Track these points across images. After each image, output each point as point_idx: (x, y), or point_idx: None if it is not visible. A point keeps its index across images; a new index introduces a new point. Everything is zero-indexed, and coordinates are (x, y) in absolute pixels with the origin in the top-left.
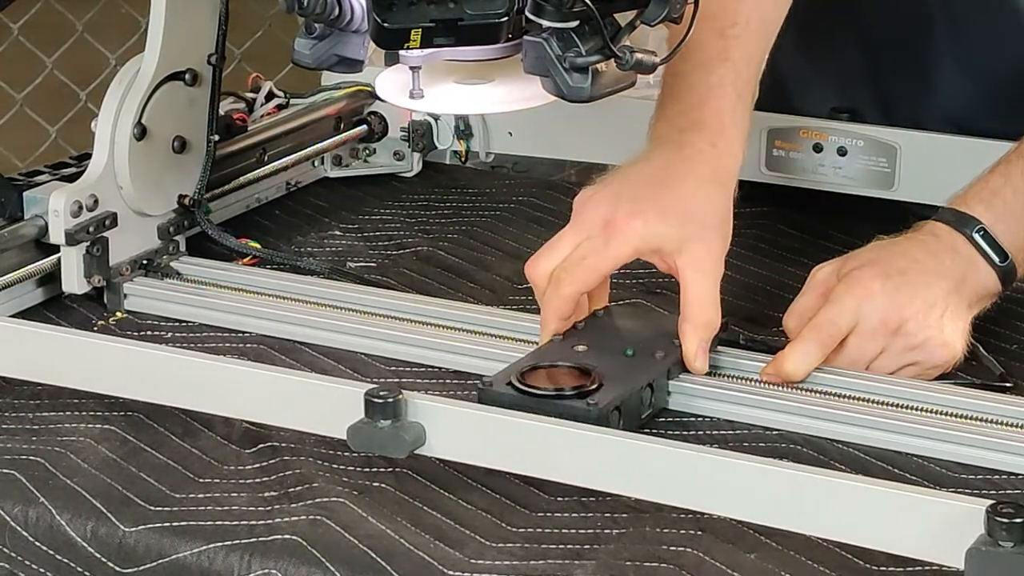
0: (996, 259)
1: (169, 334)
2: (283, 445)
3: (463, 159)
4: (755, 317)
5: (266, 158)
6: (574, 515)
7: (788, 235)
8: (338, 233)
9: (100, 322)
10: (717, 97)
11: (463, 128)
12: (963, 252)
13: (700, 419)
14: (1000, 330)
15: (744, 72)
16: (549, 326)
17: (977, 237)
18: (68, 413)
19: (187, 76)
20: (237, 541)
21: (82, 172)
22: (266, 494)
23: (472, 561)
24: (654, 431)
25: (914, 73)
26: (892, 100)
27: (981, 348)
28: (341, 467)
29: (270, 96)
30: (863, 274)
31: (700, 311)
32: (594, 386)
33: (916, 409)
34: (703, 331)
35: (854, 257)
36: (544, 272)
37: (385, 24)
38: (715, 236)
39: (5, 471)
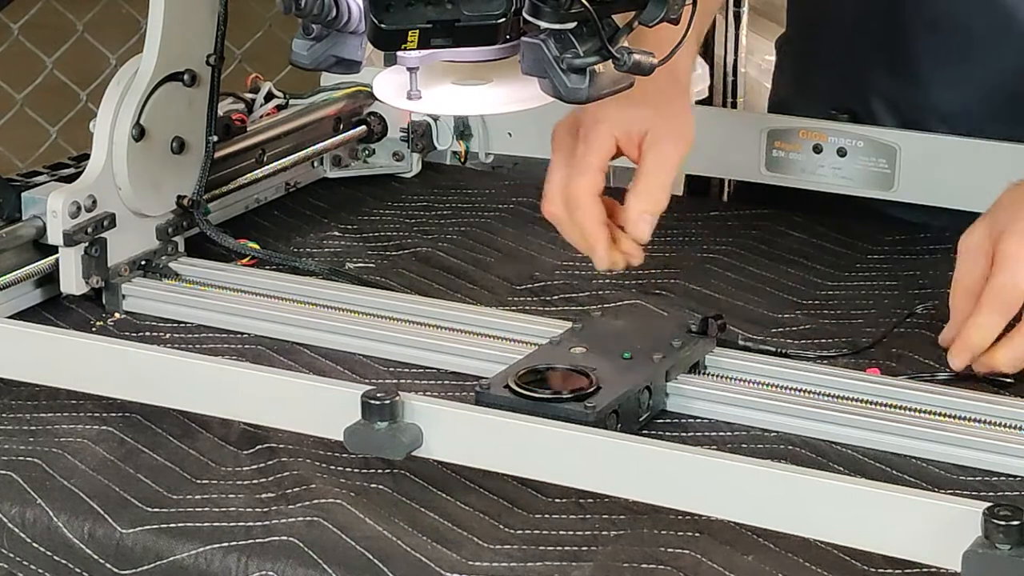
0: None
1: (167, 335)
2: (281, 446)
3: (462, 160)
4: (754, 318)
5: (265, 159)
6: (571, 517)
7: (788, 236)
8: (337, 234)
9: (98, 323)
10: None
11: (462, 129)
12: None
13: (698, 421)
14: None
15: None
16: (596, 244)
17: None
18: (66, 414)
19: (186, 77)
20: (234, 542)
21: (80, 173)
22: (263, 495)
23: (469, 563)
24: (652, 433)
25: (914, 74)
26: (892, 101)
27: None
28: (338, 468)
29: (269, 97)
30: (1022, 227)
31: (648, 182)
32: (591, 389)
33: (914, 411)
34: (647, 203)
35: (996, 214)
36: (556, 204)
37: (382, 25)
38: (677, 124)
39: (2, 472)
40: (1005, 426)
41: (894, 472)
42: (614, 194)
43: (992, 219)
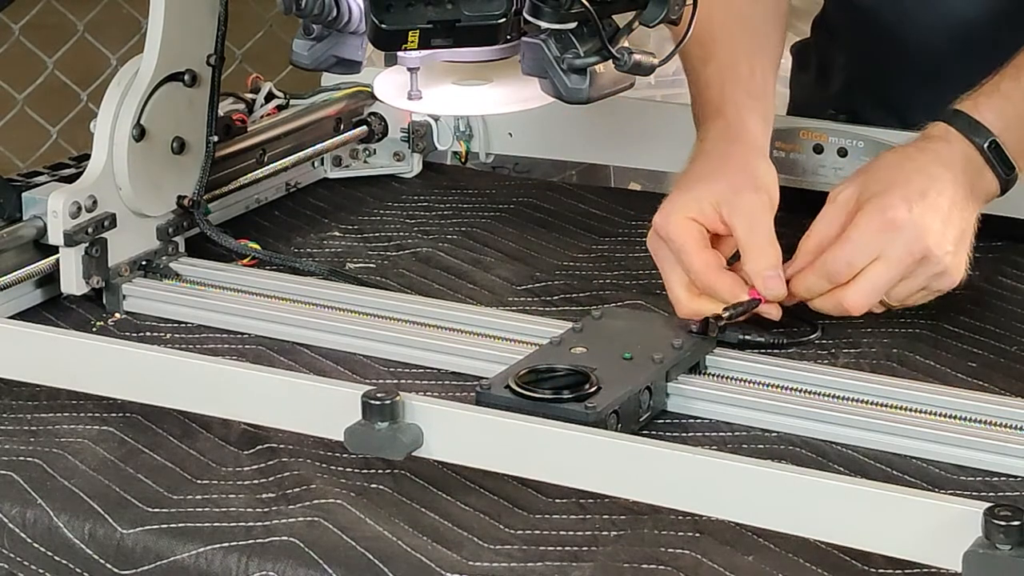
0: (1003, 172)
1: (168, 335)
2: (281, 447)
3: (463, 160)
4: (754, 318)
5: (266, 159)
6: (572, 517)
7: (788, 236)
8: (337, 234)
9: (99, 323)
10: (706, 93)
11: (463, 129)
12: (974, 161)
13: (698, 421)
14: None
15: (732, 65)
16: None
17: (988, 151)
18: (66, 414)
19: (186, 77)
20: (235, 542)
21: (81, 173)
22: (264, 495)
23: (470, 563)
24: (652, 433)
25: (915, 74)
26: (892, 101)
27: None
28: (339, 469)
29: (270, 97)
30: (885, 202)
31: (750, 245)
32: (592, 389)
33: (914, 411)
34: (761, 262)
35: (872, 176)
36: (691, 302)
37: (383, 25)
38: (742, 178)
39: (3, 472)
40: (1005, 426)
41: (894, 472)
42: (613, 193)
43: (865, 181)
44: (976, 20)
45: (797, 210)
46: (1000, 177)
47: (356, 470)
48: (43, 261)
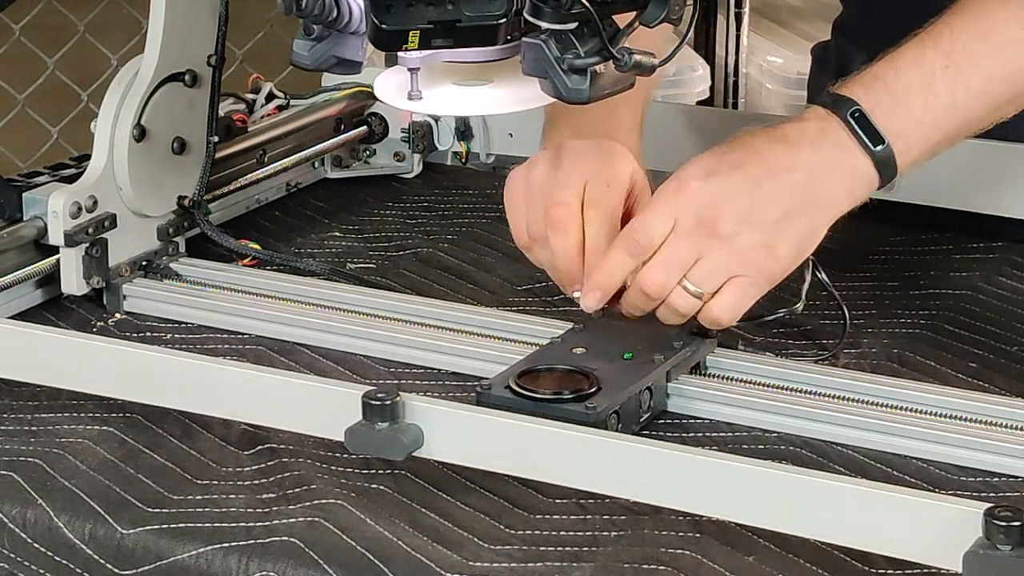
0: (870, 144)
1: (168, 335)
2: (281, 447)
3: (463, 160)
4: (754, 318)
5: (266, 159)
6: (572, 517)
7: None
8: (338, 234)
9: (99, 323)
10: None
11: (463, 129)
12: (833, 137)
13: (699, 421)
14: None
15: None
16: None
17: (851, 120)
18: (66, 414)
19: (187, 77)
20: (235, 543)
21: (81, 173)
22: (264, 496)
23: (470, 563)
24: (653, 433)
25: None
26: None
27: (819, 268)
28: (339, 469)
29: (270, 97)
30: (687, 172)
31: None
32: (592, 390)
33: (915, 412)
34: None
35: (710, 152)
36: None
37: (383, 26)
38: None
39: (3, 472)
40: (1005, 426)
41: (895, 473)
42: None
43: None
44: None
45: None
46: (868, 150)
47: (356, 470)
48: (43, 261)
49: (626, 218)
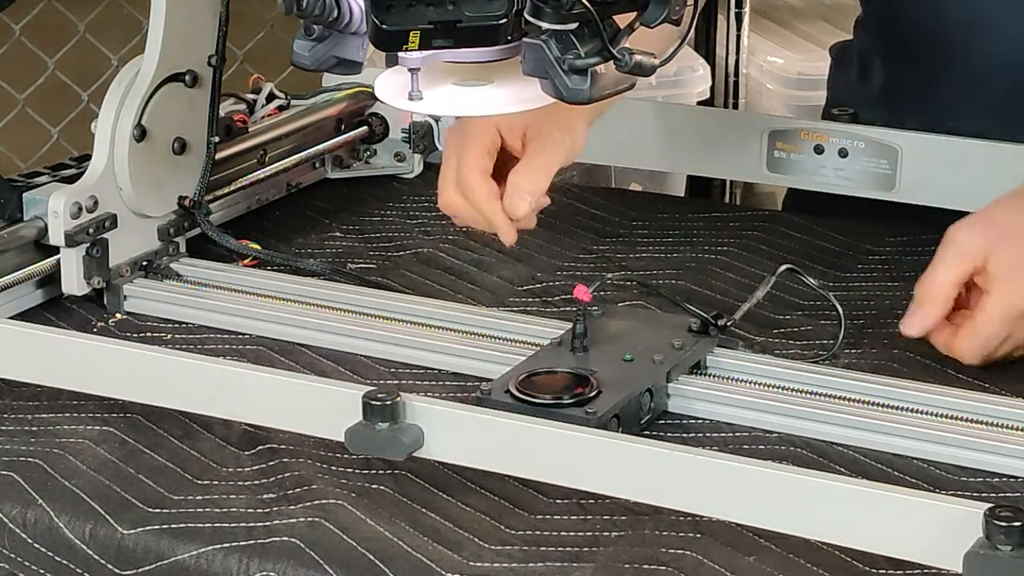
0: None
1: (169, 336)
2: (282, 447)
3: None
4: (755, 318)
5: (267, 159)
6: (573, 517)
7: (789, 237)
8: (338, 234)
9: (99, 324)
10: None
11: None
12: None
13: (699, 422)
14: None
15: None
16: (495, 219)
17: None
18: (67, 415)
19: (187, 77)
20: (236, 543)
21: (82, 173)
22: (265, 496)
23: (470, 563)
24: (653, 433)
25: (916, 76)
26: (931, 105)
27: (802, 274)
28: (340, 469)
29: (271, 97)
30: (1015, 293)
31: (529, 163)
32: (592, 393)
33: (915, 412)
34: (527, 183)
35: (995, 221)
36: (449, 193)
37: (383, 26)
38: (560, 118)
39: (4, 473)
40: (1005, 426)
41: (895, 473)
42: (613, 193)
43: (989, 224)
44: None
45: (798, 211)
46: None
47: (357, 470)
48: (44, 261)
49: (513, 160)
